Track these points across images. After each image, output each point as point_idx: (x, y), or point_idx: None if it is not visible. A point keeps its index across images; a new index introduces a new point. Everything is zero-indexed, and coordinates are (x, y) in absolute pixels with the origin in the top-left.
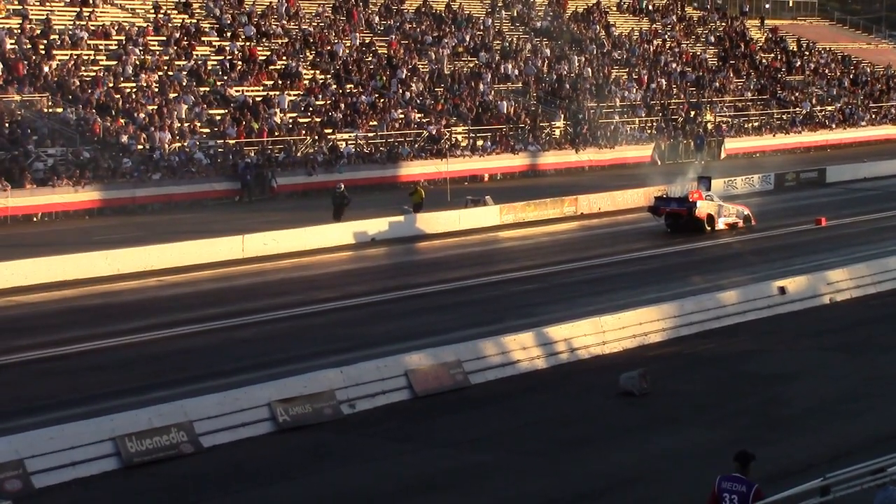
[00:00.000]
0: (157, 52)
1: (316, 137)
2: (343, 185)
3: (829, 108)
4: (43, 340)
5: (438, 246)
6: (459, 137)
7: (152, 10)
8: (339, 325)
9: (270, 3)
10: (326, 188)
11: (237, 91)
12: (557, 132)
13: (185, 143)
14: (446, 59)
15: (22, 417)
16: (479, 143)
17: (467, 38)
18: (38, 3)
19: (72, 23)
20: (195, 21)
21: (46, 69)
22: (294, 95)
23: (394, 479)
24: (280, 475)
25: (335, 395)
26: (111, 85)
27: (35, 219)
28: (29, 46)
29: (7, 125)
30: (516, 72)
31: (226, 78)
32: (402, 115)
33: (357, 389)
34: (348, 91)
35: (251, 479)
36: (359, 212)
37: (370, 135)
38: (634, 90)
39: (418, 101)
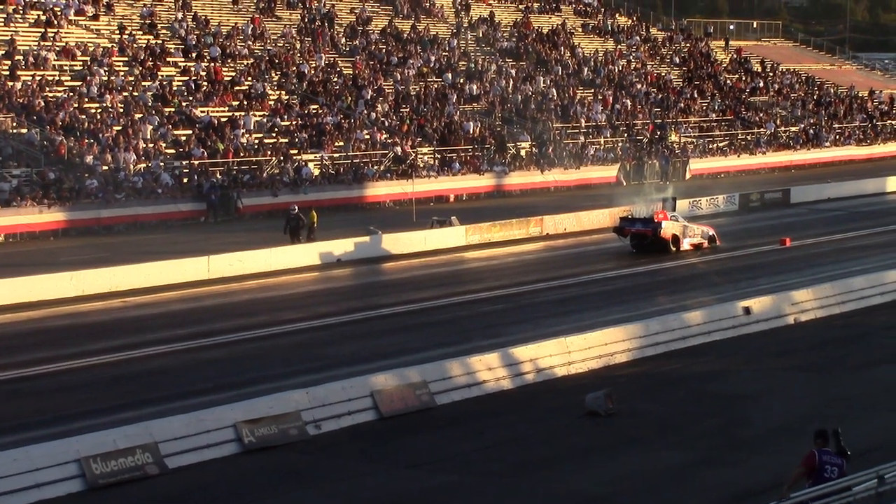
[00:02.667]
0: (122, 73)
1: (281, 158)
2: (297, 207)
3: (794, 128)
4: (8, 362)
5: (404, 266)
6: (426, 158)
7: (117, 31)
8: (304, 345)
9: (236, 23)
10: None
11: (202, 111)
12: (523, 153)
13: (150, 164)
14: (412, 79)
15: None
16: (445, 163)
17: (433, 59)
18: (2, 24)
19: (36, 43)
20: (160, 42)
21: (11, 90)
22: (259, 116)
23: (359, 500)
24: (245, 496)
25: (301, 415)
26: (76, 105)
27: (0, 240)
28: None
29: None
30: (482, 92)
31: (191, 98)
32: (367, 136)
33: (323, 410)
34: (314, 111)
35: (216, 501)
36: (325, 232)
37: (336, 155)
38: (599, 111)
39: (384, 122)
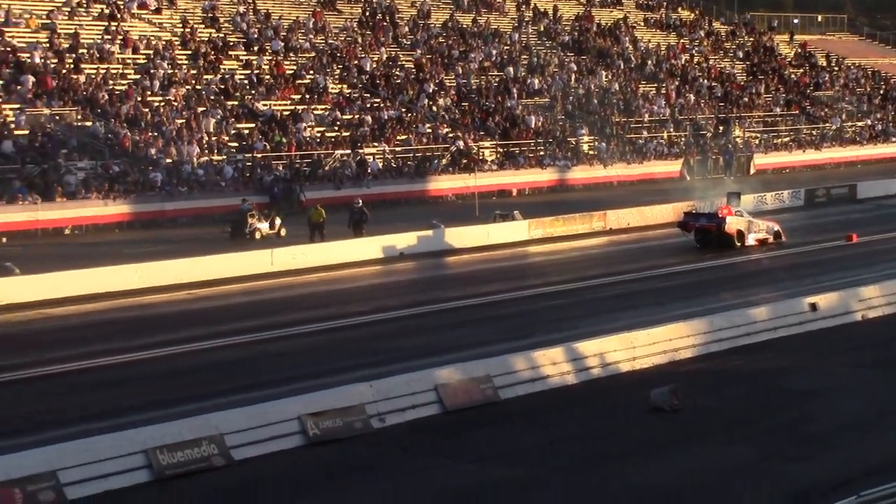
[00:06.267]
0: (185, 66)
1: (348, 151)
2: (361, 201)
3: (860, 123)
4: (73, 353)
5: (467, 260)
6: (487, 152)
7: (180, 25)
8: (369, 339)
9: (297, 17)
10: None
11: (265, 105)
12: (585, 147)
13: (214, 157)
14: (473, 73)
15: (53, 429)
16: (507, 157)
17: (494, 53)
18: (66, 17)
19: (100, 37)
20: (222, 35)
21: (75, 83)
22: (321, 109)
23: (423, 493)
24: (309, 489)
25: (365, 409)
26: (139, 99)
27: (66, 232)
28: (56, 61)
29: (38, 139)
30: (543, 86)
31: (253, 92)
32: (429, 130)
33: (387, 403)
34: (375, 105)
35: (282, 493)
36: (387, 226)
37: (398, 149)
38: (662, 105)
39: (445, 116)
